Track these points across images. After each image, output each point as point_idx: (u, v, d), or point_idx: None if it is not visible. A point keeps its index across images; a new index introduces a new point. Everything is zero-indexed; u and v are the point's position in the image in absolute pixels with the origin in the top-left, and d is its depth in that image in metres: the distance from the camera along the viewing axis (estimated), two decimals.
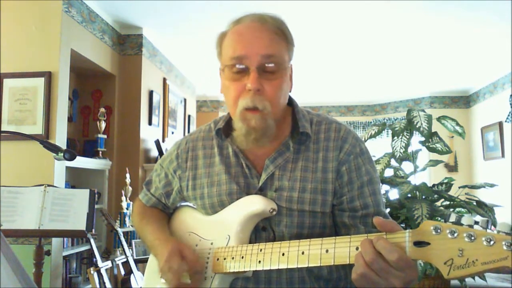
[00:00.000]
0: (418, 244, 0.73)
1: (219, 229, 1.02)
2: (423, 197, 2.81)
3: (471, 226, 0.69)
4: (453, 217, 0.71)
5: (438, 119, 3.07)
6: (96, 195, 3.17)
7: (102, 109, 3.69)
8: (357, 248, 0.79)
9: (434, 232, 0.71)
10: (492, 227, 0.70)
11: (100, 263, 2.56)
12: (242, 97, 0.94)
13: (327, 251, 0.83)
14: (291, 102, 1.06)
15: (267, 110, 0.94)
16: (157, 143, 4.27)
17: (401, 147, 2.93)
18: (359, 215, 0.99)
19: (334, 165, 0.99)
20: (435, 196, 2.85)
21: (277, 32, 0.96)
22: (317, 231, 0.99)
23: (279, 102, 0.97)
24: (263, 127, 0.95)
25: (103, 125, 3.67)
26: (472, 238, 0.67)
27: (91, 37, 3.55)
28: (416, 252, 0.73)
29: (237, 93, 0.95)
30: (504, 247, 0.64)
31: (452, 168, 6.73)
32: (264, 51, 0.93)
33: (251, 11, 1.02)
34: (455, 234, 0.69)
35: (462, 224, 0.70)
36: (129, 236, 3.54)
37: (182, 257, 0.95)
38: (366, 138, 3.07)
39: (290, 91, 1.04)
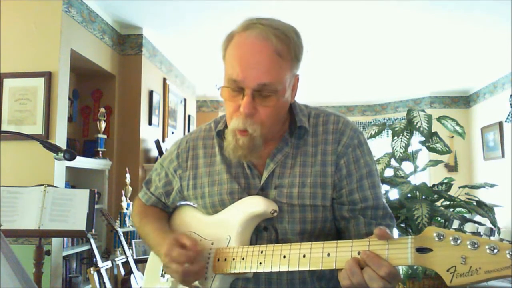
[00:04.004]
0: (421, 250, 0.73)
1: (220, 229, 1.02)
2: (423, 197, 2.81)
3: (474, 233, 0.70)
4: (456, 224, 0.71)
5: (438, 119, 3.07)
6: (96, 195, 3.17)
7: (102, 109, 3.69)
8: (358, 253, 0.79)
9: (437, 239, 0.71)
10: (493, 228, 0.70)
11: (100, 263, 2.56)
12: (235, 117, 0.95)
13: (328, 254, 0.83)
14: None
15: (256, 133, 0.94)
16: (157, 143, 4.27)
17: (401, 147, 2.93)
18: (358, 208, 0.99)
19: (333, 159, 1.00)
20: (435, 196, 2.85)
21: (280, 52, 0.92)
22: (319, 226, 0.99)
23: (271, 124, 0.97)
24: (249, 147, 0.95)
25: (103, 125, 3.67)
26: (476, 246, 0.67)
27: (91, 37, 3.55)
28: (418, 259, 0.73)
29: (231, 111, 0.96)
30: (508, 256, 0.63)
31: (452, 168, 6.73)
32: (261, 78, 0.90)
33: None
34: (458, 241, 0.68)
35: (465, 231, 0.70)
36: (129, 236, 3.54)
37: (181, 246, 0.96)
38: (366, 139, 3.06)
39: (292, 101, 1.03)
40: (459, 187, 2.98)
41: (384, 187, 2.97)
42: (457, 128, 3.02)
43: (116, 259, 3.00)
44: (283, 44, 0.93)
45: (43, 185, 2.33)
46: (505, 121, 5.64)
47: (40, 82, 2.98)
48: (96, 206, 2.60)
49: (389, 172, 3.14)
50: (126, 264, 3.00)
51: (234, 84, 0.93)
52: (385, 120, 7.39)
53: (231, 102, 0.96)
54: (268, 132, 0.97)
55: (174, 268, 0.94)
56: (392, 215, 1.03)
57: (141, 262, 3.20)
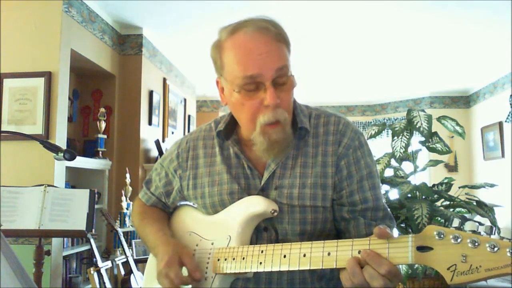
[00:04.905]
0: (421, 249, 0.73)
1: (220, 229, 1.01)
2: (423, 197, 2.81)
3: (474, 232, 0.69)
4: (456, 222, 0.71)
5: (438, 119, 3.07)
6: (96, 195, 3.17)
7: (102, 109, 3.69)
8: (359, 252, 0.79)
9: (437, 237, 0.71)
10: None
11: (100, 263, 2.56)
12: (261, 114, 0.93)
13: (329, 254, 0.82)
14: None
15: (287, 121, 0.95)
16: (157, 143, 4.27)
17: (401, 147, 2.93)
18: (358, 209, 0.99)
19: (334, 160, 0.99)
20: (435, 196, 2.85)
21: (280, 39, 0.94)
22: (319, 227, 0.99)
23: (292, 108, 0.99)
24: (284, 138, 0.95)
25: (103, 125, 3.67)
26: (476, 244, 0.66)
27: (91, 37, 3.55)
28: (419, 257, 0.73)
29: (254, 110, 0.94)
30: (508, 254, 0.63)
31: (452, 168, 6.73)
32: (276, 65, 0.91)
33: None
34: (459, 240, 0.68)
35: (465, 230, 0.70)
36: (129, 236, 3.54)
37: (181, 265, 0.95)
38: (367, 140, 3.07)
39: None
40: (459, 187, 2.98)
41: (384, 187, 2.98)
42: (457, 128, 3.03)
43: (116, 259, 3.00)
44: (279, 30, 0.95)
45: (43, 185, 2.33)
46: (505, 121, 5.64)
47: (40, 82, 2.98)
48: (96, 206, 2.59)
49: (389, 172, 3.14)
50: (126, 264, 3.00)
51: (250, 80, 0.91)
52: (385, 120, 7.39)
53: (250, 102, 0.93)
54: (291, 116, 0.98)
55: (165, 284, 0.94)
56: (392, 217, 1.03)
57: (141, 262, 3.20)
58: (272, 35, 0.93)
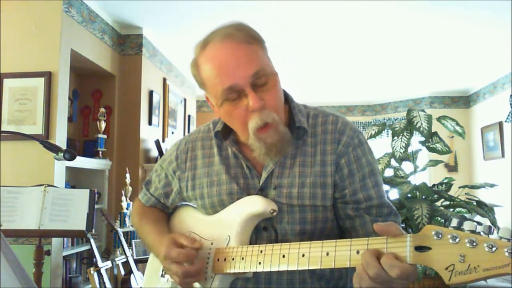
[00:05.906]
0: (419, 248, 0.72)
1: (220, 229, 1.02)
2: (423, 197, 2.81)
3: (473, 232, 0.69)
4: (454, 222, 0.70)
5: (438, 119, 3.07)
6: (96, 195, 3.17)
7: (102, 109, 3.69)
8: (357, 252, 0.79)
9: (435, 237, 0.71)
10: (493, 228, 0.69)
11: (100, 263, 2.56)
12: (249, 119, 0.93)
13: (327, 253, 0.82)
14: (286, 98, 1.05)
15: (276, 120, 0.94)
16: (157, 143, 4.27)
17: (401, 147, 2.93)
18: (363, 207, 0.98)
19: (333, 158, 0.99)
20: (435, 196, 2.85)
21: (249, 41, 0.93)
22: (319, 226, 0.99)
23: (281, 106, 0.98)
24: (279, 139, 0.94)
25: (103, 125, 3.67)
26: (474, 244, 0.66)
27: (91, 37, 3.55)
28: (417, 257, 0.72)
29: (242, 118, 0.94)
30: (506, 254, 0.63)
31: (452, 168, 6.73)
32: (250, 70, 0.90)
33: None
34: (457, 240, 0.68)
35: (463, 229, 0.69)
36: (129, 236, 3.54)
37: (179, 246, 0.97)
38: (366, 138, 3.06)
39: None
40: (459, 187, 2.98)
41: (384, 187, 2.96)
42: (457, 128, 3.02)
43: (116, 259, 3.00)
44: (244, 32, 0.94)
45: (43, 185, 2.33)
46: (505, 121, 5.64)
47: (40, 82, 2.98)
48: (96, 206, 2.60)
49: (389, 172, 3.14)
50: (126, 264, 3.00)
51: (231, 91, 0.92)
52: (385, 120, 7.39)
53: (236, 110, 0.94)
54: (282, 114, 0.98)
55: (173, 269, 0.95)
56: (397, 212, 1.03)
57: (141, 262, 3.20)
58: (240, 39, 0.92)
